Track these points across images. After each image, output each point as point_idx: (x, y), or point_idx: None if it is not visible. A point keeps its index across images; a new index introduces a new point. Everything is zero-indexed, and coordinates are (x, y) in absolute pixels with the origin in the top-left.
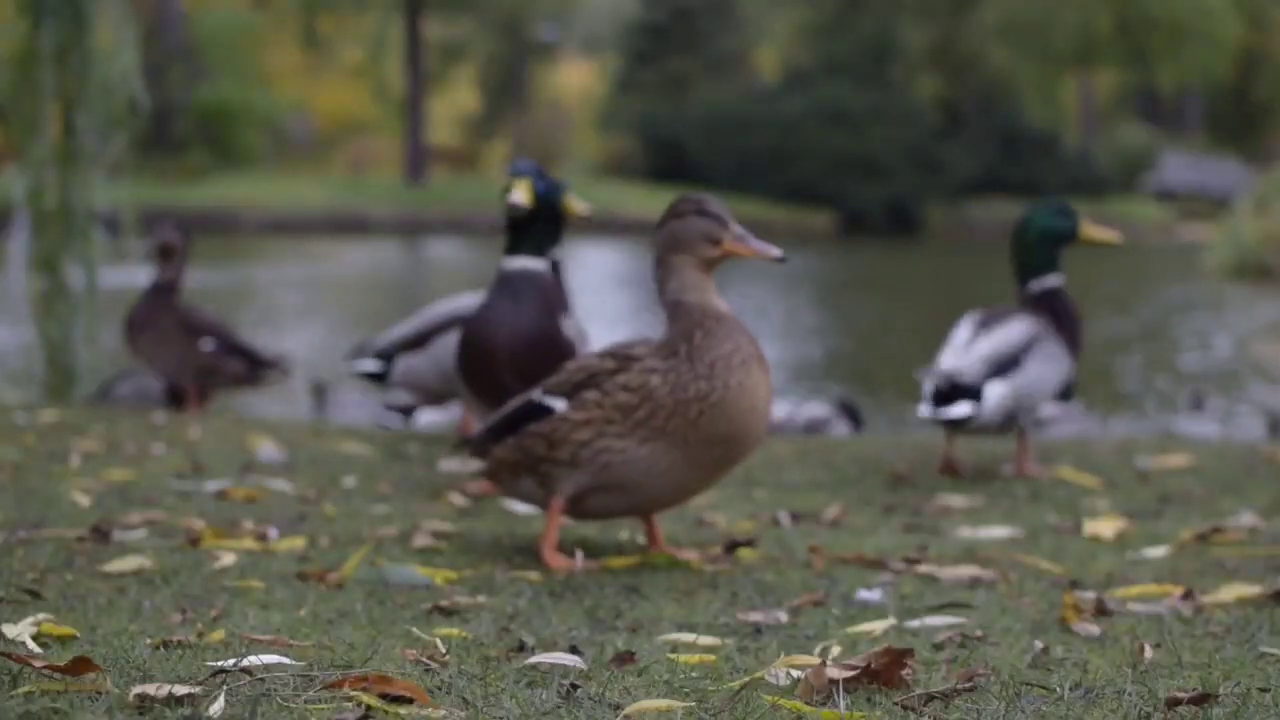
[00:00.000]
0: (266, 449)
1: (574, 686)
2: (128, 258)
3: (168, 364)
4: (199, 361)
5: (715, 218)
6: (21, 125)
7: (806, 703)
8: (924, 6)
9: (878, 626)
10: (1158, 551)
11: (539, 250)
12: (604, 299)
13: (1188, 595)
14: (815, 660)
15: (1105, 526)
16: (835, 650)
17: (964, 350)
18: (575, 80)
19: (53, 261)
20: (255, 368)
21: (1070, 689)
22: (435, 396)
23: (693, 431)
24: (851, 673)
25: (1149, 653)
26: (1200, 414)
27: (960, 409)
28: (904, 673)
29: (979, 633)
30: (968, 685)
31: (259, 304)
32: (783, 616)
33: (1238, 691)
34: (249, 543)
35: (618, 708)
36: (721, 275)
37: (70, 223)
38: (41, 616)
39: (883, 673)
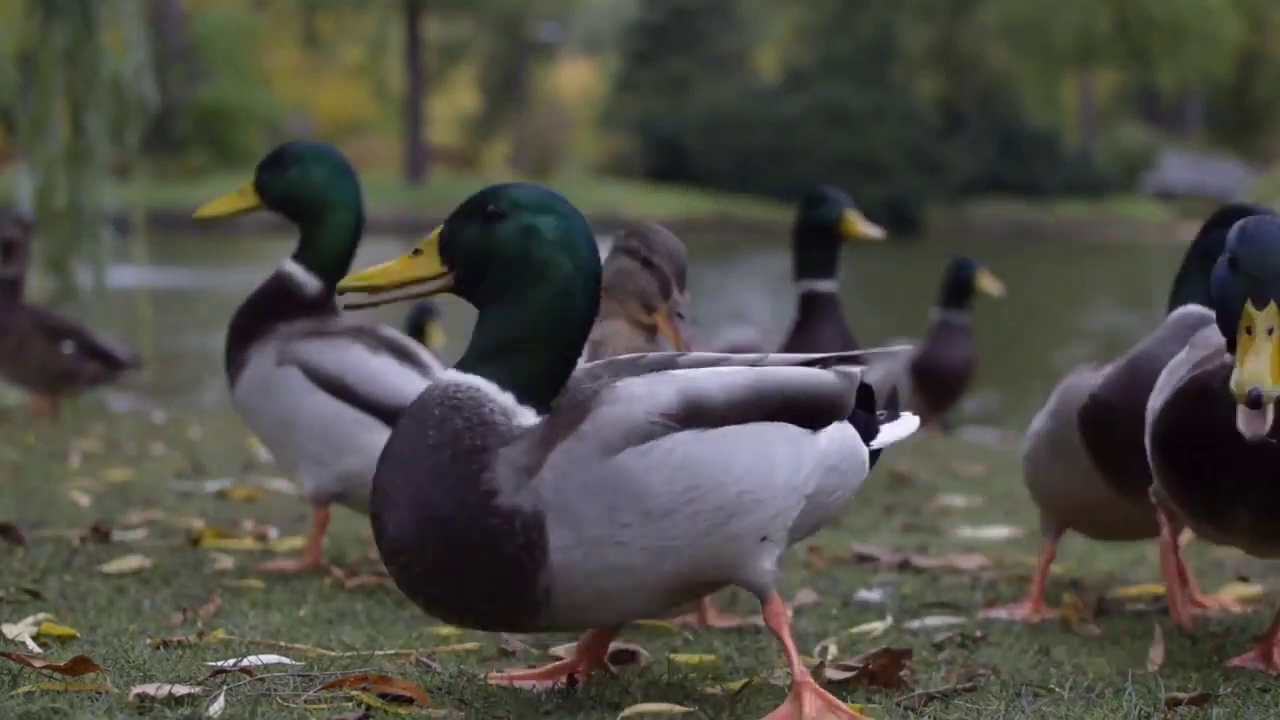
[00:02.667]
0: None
1: (574, 686)
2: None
3: (27, 370)
4: (60, 366)
5: (660, 278)
6: (30, 125)
7: None
8: (924, 6)
9: (878, 626)
10: (1158, 551)
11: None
12: None
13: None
14: (815, 660)
15: None
16: (834, 650)
17: None
18: (575, 80)
19: (61, 261)
20: (112, 368)
21: (1070, 689)
22: None
23: None
24: (851, 673)
25: (1149, 652)
26: None
27: None
28: (903, 675)
29: (979, 633)
30: (968, 685)
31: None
32: None
33: (1238, 691)
34: (249, 543)
35: (617, 708)
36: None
37: (79, 222)
38: (41, 616)
39: (882, 673)
